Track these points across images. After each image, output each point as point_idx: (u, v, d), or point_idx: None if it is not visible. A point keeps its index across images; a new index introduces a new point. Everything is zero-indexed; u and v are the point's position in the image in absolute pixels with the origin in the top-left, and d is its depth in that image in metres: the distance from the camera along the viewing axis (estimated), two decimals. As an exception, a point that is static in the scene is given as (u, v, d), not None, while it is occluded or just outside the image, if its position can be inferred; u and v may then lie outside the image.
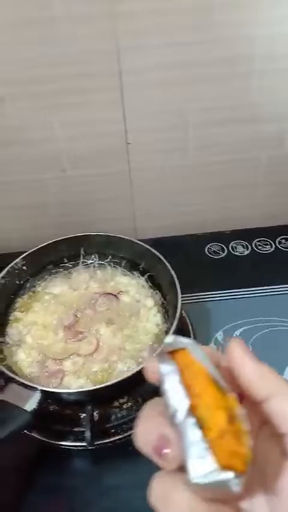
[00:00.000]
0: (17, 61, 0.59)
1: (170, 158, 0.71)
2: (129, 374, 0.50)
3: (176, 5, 0.56)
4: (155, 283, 0.64)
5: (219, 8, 0.56)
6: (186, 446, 0.23)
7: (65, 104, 0.63)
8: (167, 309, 0.61)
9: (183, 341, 0.26)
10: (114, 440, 0.52)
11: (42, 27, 0.56)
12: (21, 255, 0.64)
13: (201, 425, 0.23)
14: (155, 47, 0.59)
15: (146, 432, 0.25)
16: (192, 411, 0.24)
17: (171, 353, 0.26)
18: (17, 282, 0.64)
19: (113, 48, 0.58)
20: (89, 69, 0.60)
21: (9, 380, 0.50)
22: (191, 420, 0.23)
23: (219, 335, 0.63)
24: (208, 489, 0.22)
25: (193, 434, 0.23)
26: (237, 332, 0.63)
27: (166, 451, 0.23)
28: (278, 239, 0.77)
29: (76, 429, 0.54)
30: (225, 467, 0.22)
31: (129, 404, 0.56)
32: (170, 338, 0.26)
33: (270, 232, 0.78)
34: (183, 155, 0.71)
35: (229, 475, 0.22)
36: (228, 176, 0.74)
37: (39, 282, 0.65)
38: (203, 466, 0.22)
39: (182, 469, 0.23)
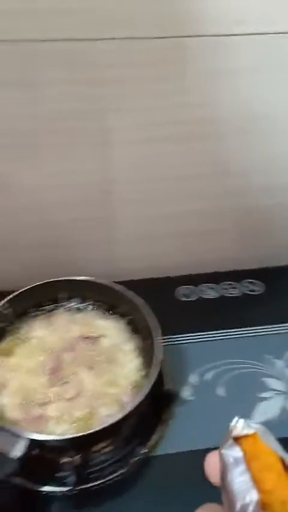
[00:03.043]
0: (7, 116, 0.62)
1: (149, 207, 0.76)
2: (113, 420, 0.52)
3: (160, 73, 0.61)
4: (134, 327, 0.67)
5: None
6: None
7: (49, 155, 0.67)
8: (147, 353, 0.64)
9: (253, 425, 0.24)
10: (96, 485, 0.54)
11: (33, 88, 0.60)
12: (5, 294, 0.66)
13: None
14: (134, 109, 0.64)
15: None
16: (263, 508, 0.21)
17: (238, 439, 0.24)
18: (0, 325, 0.65)
19: (103, 108, 0.63)
20: (74, 125, 0.64)
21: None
22: None
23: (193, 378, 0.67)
24: None
25: None
26: (209, 374, 0.67)
27: None
28: (243, 282, 0.82)
29: (57, 474, 0.55)
30: None
31: (110, 448, 0.58)
32: (237, 422, 0.24)
33: (237, 276, 0.84)
34: (161, 204, 0.76)
35: None
36: (200, 223, 0.80)
37: (21, 325, 0.67)
38: None
39: None
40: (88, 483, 0.54)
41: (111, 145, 0.67)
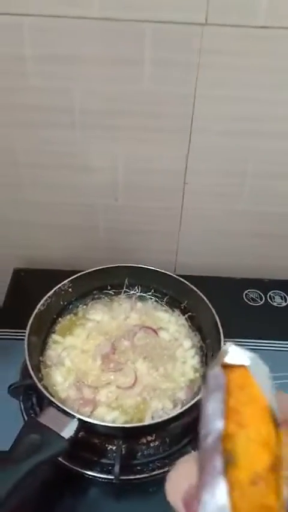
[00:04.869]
0: (103, 94, 0.61)
1: (223, 202, 0.73)
2: (166, 417, 0.50)
3: (257, 63, 0.58)
4: (194, 324, 0.65)
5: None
6: (204, 479, 0.19)
7: (133, 138, 0.66)
8: (205, 353, 0.61)
9: (245, 355, 0.22)
10: (140, 478, 0.53)
11: (130, 66, 0.59)
12: (65, 273, 0.67)
13: (231, 459, 0.19)
14: (229, 99, 0.61)
15: (177, 481, 0.23)
16: (226, 440, 0.20)
17: (227, 367, 0.22)
18: (61, 303, 0.65)
19: (191, 94, 0.61)
20: (164, 109, 0.62)
21: (48, 403, 0.51)
22: (219, 449, 0.19)
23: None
24: None
25: (214, 468, 0.19)
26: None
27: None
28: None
29: (103, 460, 0.54)
30: None
31: (157, 442, 0.56)
32: (229, 347, 0.23)
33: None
34: (237, 201, 0.72)
35: None
36: (277, 226, 0.75)
37: (81, 306, 0.67)
38: None
39: None
40: (132, 475, 0.52)
41: (195, 133, 0.64)
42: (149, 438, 0.56)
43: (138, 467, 0.54)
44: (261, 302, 0.75)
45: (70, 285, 0.65)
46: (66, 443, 0.47)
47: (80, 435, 0.54)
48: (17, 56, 0.59)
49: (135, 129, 0.65)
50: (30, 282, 0.77)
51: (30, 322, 0.58)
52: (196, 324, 0.64)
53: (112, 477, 0.51)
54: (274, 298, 0.76)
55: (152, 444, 0.56)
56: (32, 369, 0.54)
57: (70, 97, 0.62)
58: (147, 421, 0.52)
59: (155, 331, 0.63)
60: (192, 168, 0.69)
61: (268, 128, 0.64)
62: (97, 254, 0.77)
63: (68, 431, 0.48)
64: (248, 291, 0.77)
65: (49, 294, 0.62)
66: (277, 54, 0.57)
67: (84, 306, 0.67)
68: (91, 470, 0.53)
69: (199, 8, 0.54)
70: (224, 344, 0.24)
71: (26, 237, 0.80)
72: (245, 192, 0.72)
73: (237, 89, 0.60)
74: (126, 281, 0.69)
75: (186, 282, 0.65)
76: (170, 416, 0.50)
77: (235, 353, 0.23)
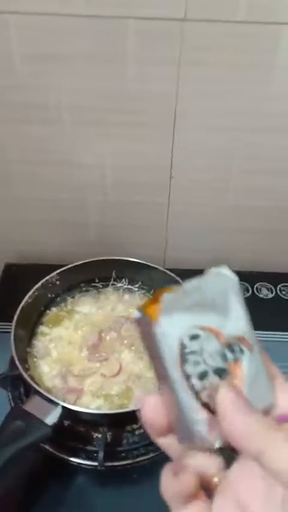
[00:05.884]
0: (89, 91, 0.63)
1: (209, 197, 0.74)
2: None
3: (238, 58, 0.59)
4: (180, 315, 0.66)
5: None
6: None
7: (119, 134, 0.67)
8: (190, 343, 0.62)
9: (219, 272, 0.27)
10: (124, 465, 0.54)
11: (114, 64, 0.60)
12: (56, 267, 0.68)
13: None
14: (211, 95, 0.62)
15: None
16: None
17: None
18: (49, 296, 0.67)
19: (173, 90, 0.62)
20: (148, 106, 0.63)
21: (34, 391, 0.52)
22: None
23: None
24: None
25: None
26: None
27: None
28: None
29: (88, 447, 0.55)
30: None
31: (142, 430, 0.57)
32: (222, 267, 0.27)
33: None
34: (223, 196, 0.73)
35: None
36: (264, 221, 0.76)
37: (69, 299, 0.68)
38: None
39: None
40: (116, 461, 0.54)
41: (179, 129, 0.65)
42: (134, 426, 0.57)
43: (123, 454, 0.55)
44: (248, 294, 0.76)
45: (58, 277, 0.66)
46: (50, 430, 0.49)
47: (66, 424, 0.56)
48: (4, 54, 0.60)
49: (121, 125, 0.66)
50: (21, 276, 0.78)
51: (17, 314, 0.59)
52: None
53: (96, 464, 0.52)
54: (261, 290, 0.77)
55: (137, 432, 0.57)
56: (19, 360, 0.55)
57: (57, 94, 0.63)
58: (129, 408, 0.53)
59: (141, 322, 0.64)
60: (177, 164, 0.70)
61: (251, 124, 0.65)
62: (87, 249, 0.79)
63: (52, 418, 0.50)
64: (236, 284, 0.78)
65: (36, 286, 0.64)
66: (259, 50, 0.58)
67: (72, 299, 0.68)
68: (76, 457, 0.54)
69: (178, 2, 0.55)
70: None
71: (17, 232, 0.81)
72: (231, 187, 0.73)
73: (220, 85, 0.61)
74: (113, 274, 0.70)
75: (172, 274, 0.66)
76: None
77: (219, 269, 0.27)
